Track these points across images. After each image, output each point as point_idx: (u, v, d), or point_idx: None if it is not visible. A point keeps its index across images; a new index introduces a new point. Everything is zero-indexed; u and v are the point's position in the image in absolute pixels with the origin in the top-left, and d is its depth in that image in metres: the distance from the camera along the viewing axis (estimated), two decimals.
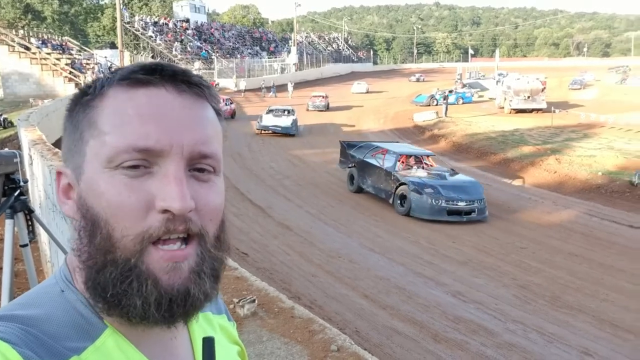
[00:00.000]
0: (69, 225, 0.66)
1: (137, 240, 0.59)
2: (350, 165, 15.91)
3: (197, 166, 0.64)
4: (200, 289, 0.62)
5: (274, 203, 13.95)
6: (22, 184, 2.35)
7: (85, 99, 0.65)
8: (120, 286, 0.59)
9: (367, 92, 48.11)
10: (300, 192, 15.24)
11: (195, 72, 0.68)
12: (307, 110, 34.10)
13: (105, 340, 0.62)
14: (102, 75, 0.67)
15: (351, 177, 15.72)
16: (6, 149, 2.90)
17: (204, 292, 0.63)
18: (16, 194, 2.32)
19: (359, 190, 15.25)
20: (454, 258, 10.29)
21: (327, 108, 35.05)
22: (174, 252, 0.61)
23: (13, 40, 33.03)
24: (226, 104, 28.57)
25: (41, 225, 2.61)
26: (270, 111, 26.90)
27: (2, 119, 23.31)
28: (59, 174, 0.68)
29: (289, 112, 26.95)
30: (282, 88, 44.30)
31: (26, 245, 2.45)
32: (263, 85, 43.96)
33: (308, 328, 3.93)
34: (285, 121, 25.21)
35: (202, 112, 0.65)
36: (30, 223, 2.43)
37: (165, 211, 0.59)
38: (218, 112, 0.70)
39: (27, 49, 32.95)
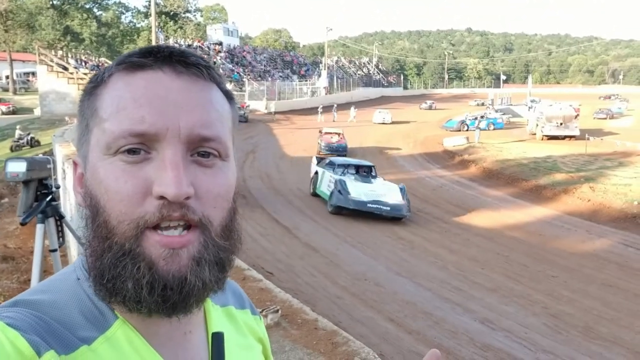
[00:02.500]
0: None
1: (132, 226, 0.58)
2: None
3: (200, 150, 0.61)
4: (198, 276, 0.60)
5: (300, 224, 13.93)
6: (54, 189, 2.40)
7: (90, 87, 0.65)
8: (115, 270, 0.58)
9: (392, 122, 41.04)
10: (327, 215, 15.19)
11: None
12: (319, 152, 25.18)
13: (116, 331, 0.61)
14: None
15: None
16: (40, 155, 2.97)
17: (203, 280, 0.60)
18: (48, 199, 2.37)
19: None
20: (482, 285, 10.07)
21: (346, 151, 26.11)
22: (173, 238, 0.58)
23: (52, 61, 34.22)
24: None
25: (71, 231, 2.65)
26: (334, 167, 16.75)
27: (29, 138, 23.90)
28: (74, 164, 0.68)
29: (368, 169, 17.15)
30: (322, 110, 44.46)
31: (55, 250, 2.49)
32: (321, 109, 42.28)
33: (331, 340, 3.87)
34: (390, 193, 14.92)
35: (202, 93, 0.63)
36: (60, 229, 2.47)
37: (161, 197, 0.57)
38: (226, 94, 0.68)
39: (65, 69, 34.06)
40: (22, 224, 2.28)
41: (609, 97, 59.76)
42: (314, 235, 12.92)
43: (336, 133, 27.30)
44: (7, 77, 54.20)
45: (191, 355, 0.67)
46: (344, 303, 8.55)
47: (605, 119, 44.41)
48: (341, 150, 25.52)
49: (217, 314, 0.74)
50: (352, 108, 42.91)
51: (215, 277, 0.62)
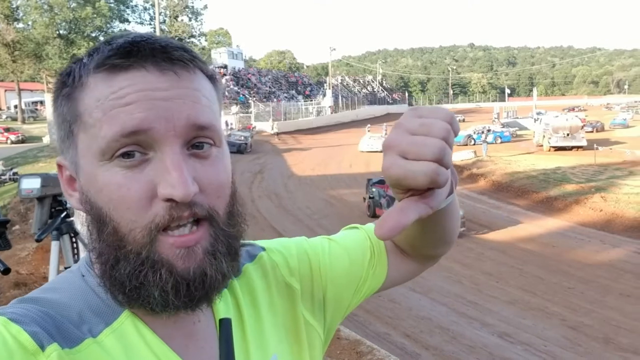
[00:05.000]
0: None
1: (145, 232, 0.57)
2: None
3: (195, 142, 0.60)
4: (217, 269, 0.60)
5: None
6: (68, 205, 2.37)
7: (65, 91, 0.61)
8: (137, 280, 0.57)
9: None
10: (337, 232, 15.10)
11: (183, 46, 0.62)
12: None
13: (123, 322, 0.61)
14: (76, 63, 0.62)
15: None
16: (54, 171, 2.96)
17: (221, 272, 0.60)
18: (63, 215, 2.34)
19: None
20: (498, 298, 9.95)
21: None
22: (185, 237, 0.58)
23: None
24: None
25: (88, 249, 2.61)
26: None
27: (11, 174, 23.67)
28: (59, 166, 0.66)
29: None
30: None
31: (70, 267, 2.45)
32: (369, 127, 40.64)
33: (355, 349, 3.80)
34: None
35: (190, 84, 0.60)
36: (75, 245, 2.44)
37: (168, 199, 0.56)
38: (210, 77, 0.66)
39: None
40: (38, 241, 2.25)
41: (573, 109, 56.84)
42: None
43: None
44: (15, 106, 54.85)
45: (200, 343, 0.67)
46: (359, 320, 8.45)
47: (591, 132, 40.62)
48: None
49: (226, 298, 0.72)
50: (384, 126, 41.67)
51: (230, 266, 0.62)
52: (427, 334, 8.06)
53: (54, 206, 2.34)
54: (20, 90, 50.61)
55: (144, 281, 0.57)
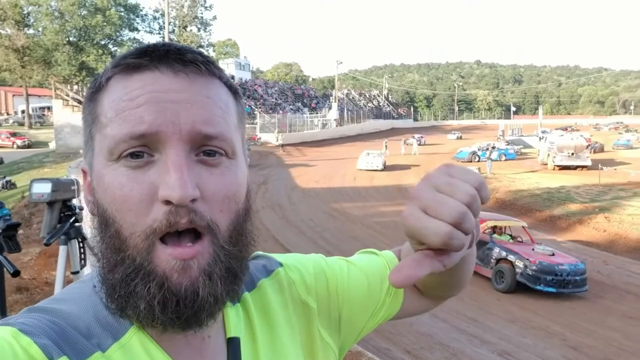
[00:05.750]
0: None
1: (142, 237, 0.56)
2: None
3: (205, 149, 0.59)
4: (210, 291, 0.58)
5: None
6: (77, 210, 2.40)
7: (89, 93, 0.63)
8: (127, 287, 0.57)
9: (384, 168, 31.08)
10: (340, 245, 15.08)
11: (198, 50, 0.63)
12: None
13: (130, 338, 0.60)
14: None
15: None
16: (64, 177, 3.00)
17: (215, 295, 0.58)
18: (71, 220, 2.37)
19: None
20: (499, 316, 9.91)
21: (585, 284, 11.27)
22: (183, 249, 0.57)
23: (67, 95, 34.80)
24: None
25: (93, 253, 2.64)
26: None
27: (5, 182, 23.76)
28: (83, 172, 0.66)
29: None
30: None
31: (77, 272, 2.48)
32: (386, 142, 39.69)
33: None
34: None
35: (202, 90, 0.60)
36: (82, 251, 2.47)
37: (167, 202, 0.55)
38: (230, 88, 0.65)
39: (80, 103, 34.54)
40: (46, 245, 2.28)
41: (566, 129, 56.22)
42: None
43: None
44: (22, 111, 55.18)
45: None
46: None
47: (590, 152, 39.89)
48: (578, 286, 11.24)
49: (238, 313, 0.72)
50: (415, 140, 41.29)
51: (227, 290, 0.60)
52: (427, 350, 8.02)
53: (63, 211, 2.37)
54: (28, 95, 50.92)
55: (132, 291, 0.56)
